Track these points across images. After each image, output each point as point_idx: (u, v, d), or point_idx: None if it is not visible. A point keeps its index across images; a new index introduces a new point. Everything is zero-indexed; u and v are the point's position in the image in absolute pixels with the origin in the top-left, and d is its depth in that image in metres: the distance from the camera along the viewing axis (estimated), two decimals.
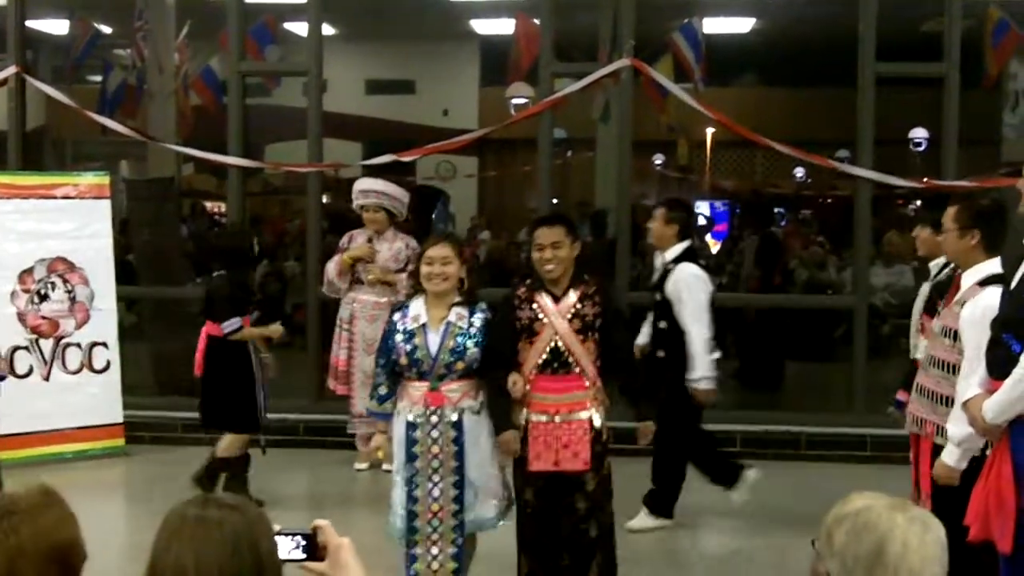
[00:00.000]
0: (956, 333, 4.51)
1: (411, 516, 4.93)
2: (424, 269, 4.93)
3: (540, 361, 5.01)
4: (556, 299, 5.05)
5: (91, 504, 6.85)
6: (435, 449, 4.90)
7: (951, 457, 4.41)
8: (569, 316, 5.01)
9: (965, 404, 4.25)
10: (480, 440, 4.97)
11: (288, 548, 2.18)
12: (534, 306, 5.04)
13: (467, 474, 4.92)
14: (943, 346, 4.63)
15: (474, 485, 4.95)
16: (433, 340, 4.90)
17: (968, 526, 4.18)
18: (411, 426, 4.92)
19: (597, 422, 5.04)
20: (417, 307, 4.98)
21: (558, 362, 5.01)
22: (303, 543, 2.20)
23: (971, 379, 4.26)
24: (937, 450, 4.58)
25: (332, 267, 7.81)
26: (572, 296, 5.05)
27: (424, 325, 4.92)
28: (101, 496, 7.63)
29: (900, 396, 5.69)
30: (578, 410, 5.03)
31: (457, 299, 4.98)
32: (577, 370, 5.01)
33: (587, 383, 5.03)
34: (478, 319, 4.97)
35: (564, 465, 4.98)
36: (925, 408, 4.75)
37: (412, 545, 4.94)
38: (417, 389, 4.93)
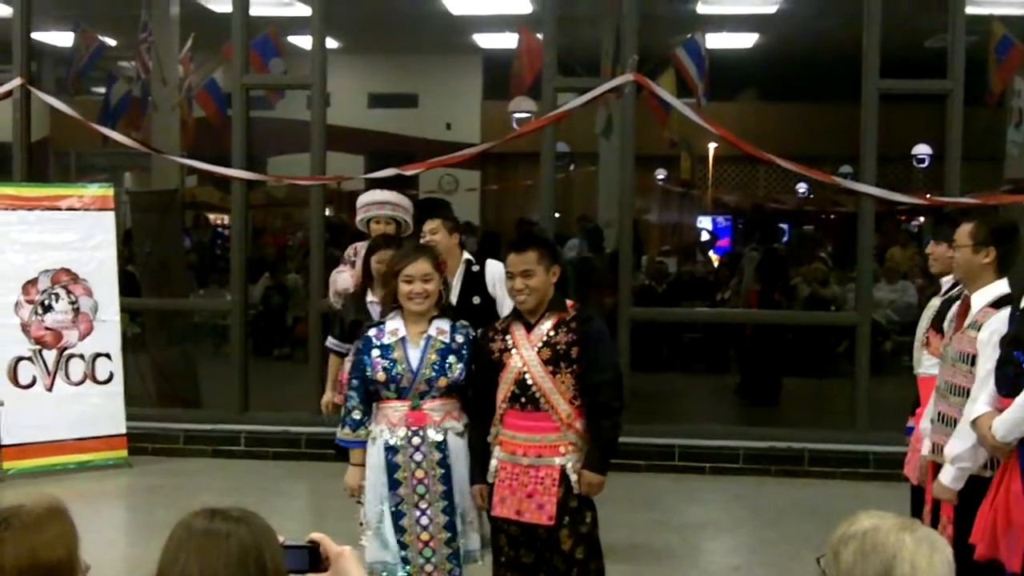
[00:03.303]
0: (974, 358, 4.38)
1: (401, 547, 4.50)
2: (404, 288, 4.54)
3: (508, 395, 4.47)
4: (529, 328, 4.51)
5: (93, 515, 6.89)
6: (419, 474, 4.49)
7: (946, 476, 4.35)
8: (539, 345, 4.45)
9: (974, 422, 4.22)
10: (464, 464, 4.56)
11: (292, 560, 2.19)
12: (506, 337, 4.52)
13: (455, 499, 4.53)
14: (962, 373, 4.47)
15: (460, 510, 4.56)
16: (414, 354, 4.51)
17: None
18: (391, 450, 4.50)
19: (571, 471, 4.42)
20: (395, 323, 4.60)
21: (525, 396, 4.44)
22: (306, 555, 2.21)
23: (979, 397, 4.24)
24: None
25: (346, 279, 7.60)
26: (546, 324, 4.49)
27: (403, 339, 4.55)
28: (103, 507, 7.63)
29: (911, 423, 5.41)
30: (548, 455, 4.42)
31: (435, 313, 4.61)
32: (547, 408, 4.41)
33: (559, 424, 4.42)
34: (460, 335, 4.59)
35: (527, 516, 4.41)
36: (947, 436, 4.52)
37: None
38: (396, 410, 4.52)
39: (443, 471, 4.52)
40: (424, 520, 4.52)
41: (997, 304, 4.40)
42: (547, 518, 4.39)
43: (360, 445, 4.65)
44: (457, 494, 4.54)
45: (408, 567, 4.52)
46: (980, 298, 4.49)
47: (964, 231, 4.54)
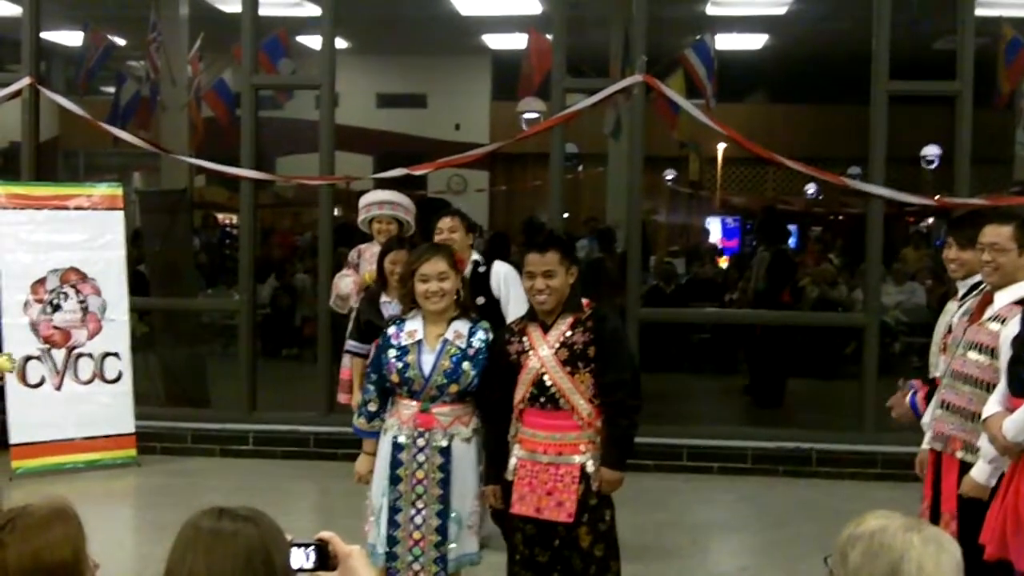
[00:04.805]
0: (992, 350, 4.37)
1: (392, 541, 4.59)
2: (420, 287, 4.57)
3: (527, 395, 4.51)
4: (546, 328, 4.55)
5: (102, 514, 6.91)
6: (419, 475, 4.56)
7: (981, 474, 4.33)
8: (556, 346, 4.49)
9: (984, 422, 4.21)
10: (467, 470, 4.61)
11: (300, 559, 2.19)
12: (523, 338, 4.56)
13: (451, 504, 4.57)
14: (976, 363, 4.46)
15: (458, 516, 4.60)
16: (427, 360, 4.56)
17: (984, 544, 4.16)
18: (397, 447, 4.60)
19: (591, 469, 4.46)
20: (414, 323, 4.65)
21: (545, 396, 4.49)
22: (314, 553, 2.22)
23: (994, 397, 4.23)
24: (963, 466, 4.47)
25: (348, 284, 7.54)
26: (563, 324, 4.53)
27: (419, 342, 4.59)
28: (111, 506, 7.65)
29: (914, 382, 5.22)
30: (568, 453, 4.47)
31: (455, 313, 4.65)
32: (567, 407, 4.47)
33: (579, 423, 4.47)
34: (478, 340, 4.62)
35: (546, 514, 4.45)
36: (953, 424, 4.55)
37: (394, 573, 4.61)
38: (408, 408, 4.61)
39: (442, 476, 4.58)
40: (418, 519, 4.59)
41: (1021, 302, 4.37)
42: (566, 516, 4.43)
43: (373, 436, 4.76)
44: (455, 499, 4.59)
45: (397, 561, 4.59)
46: (1006, 295, 4.46)
47: (1005, 234, 4.46)
